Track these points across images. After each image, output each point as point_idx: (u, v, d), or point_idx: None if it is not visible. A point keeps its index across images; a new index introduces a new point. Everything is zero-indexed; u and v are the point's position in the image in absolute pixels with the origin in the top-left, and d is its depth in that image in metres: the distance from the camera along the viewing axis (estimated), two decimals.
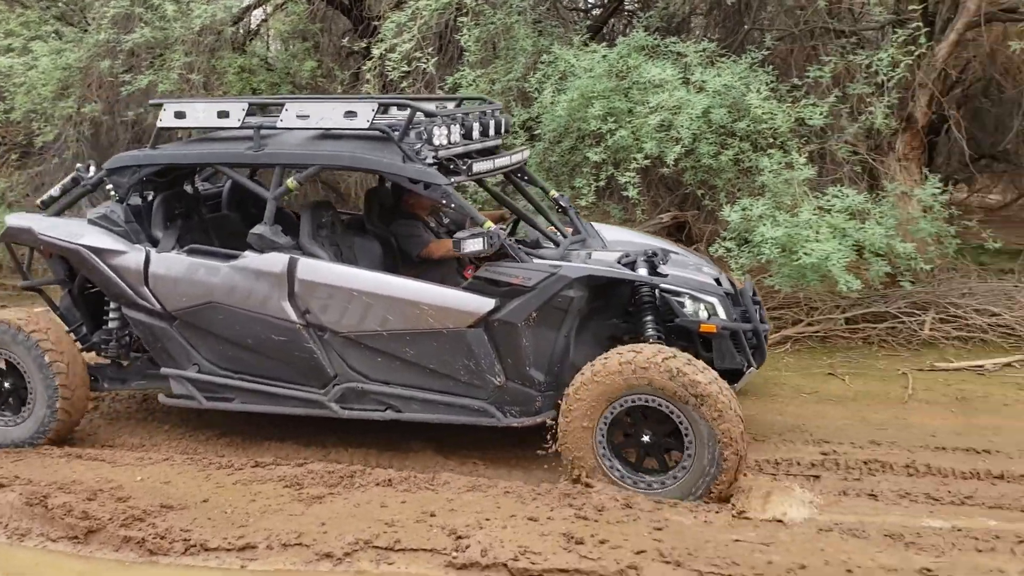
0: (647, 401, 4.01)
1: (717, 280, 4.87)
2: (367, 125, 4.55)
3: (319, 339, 4.64)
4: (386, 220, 5.41)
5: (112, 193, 5.04)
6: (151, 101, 5.71)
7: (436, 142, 4.55)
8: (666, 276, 4.48)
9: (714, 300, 4.56)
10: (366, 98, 5.21)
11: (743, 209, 5.93)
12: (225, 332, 4.79)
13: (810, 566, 3.38)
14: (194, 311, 4.80)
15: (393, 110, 5.05)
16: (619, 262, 4.50)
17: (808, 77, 6.62)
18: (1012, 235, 8.13)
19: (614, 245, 4.99)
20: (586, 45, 7.17)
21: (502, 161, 4.99)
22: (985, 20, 6.85)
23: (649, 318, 4.47)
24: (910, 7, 6.43)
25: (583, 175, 6.66)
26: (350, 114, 4.57)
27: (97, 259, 4.91)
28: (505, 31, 7.36)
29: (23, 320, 4.96)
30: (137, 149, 5.53)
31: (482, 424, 4.54)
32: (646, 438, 4.12)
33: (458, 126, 4.70)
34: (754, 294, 4.94)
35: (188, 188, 5.47)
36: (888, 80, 6.38)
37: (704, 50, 6.72)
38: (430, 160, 4.52)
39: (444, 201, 4.56)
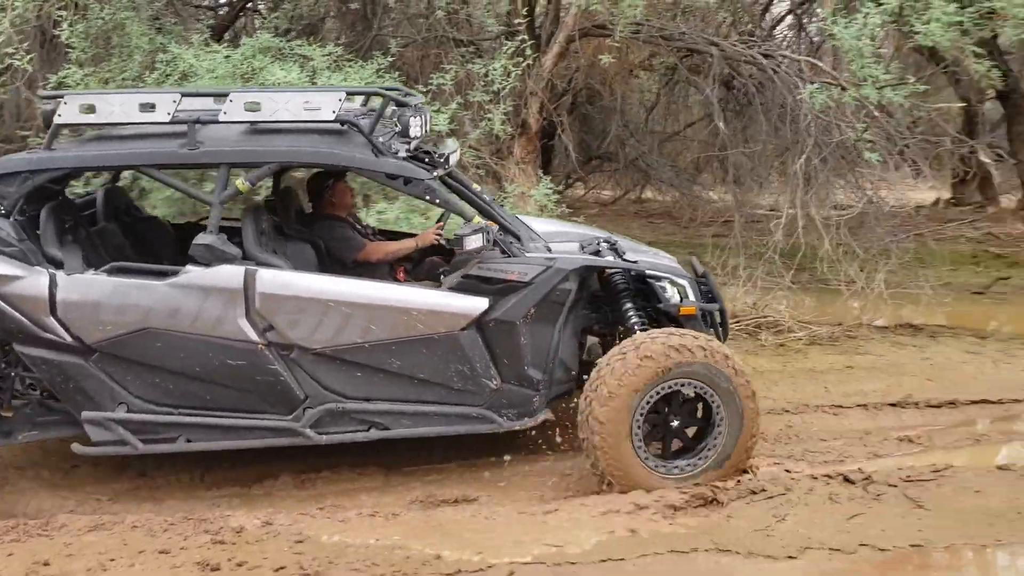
0: (682, 385, 3.93)
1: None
2: (332, 117, 4.04)
3: (284, 359, 4.09)
4: (303, 222, 4.88)
5: None
6: (43, 93, 4.71)
7: (412, 133, 4.16)
8: (636, 262, 4.43)
9: (685, 283, 4.52)
10: (329, 88, 4.78)
11: None
12: (165, 362, 4.06)
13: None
14: (121, 341, 4.01)
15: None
16: (583, 251, 4.38)
17: (432, 84, 6.92)
18: (620, 227, 9.16)
19: (552, 236, 4.64)
20: (207, 45, 6.88)
21: (455, 156, 4.61)
22: (582, 35, 7.66)
23: (629, 305, 4.37)
24: (516, 21, 6.96)
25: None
26: (311, 105, 4.05)
27: None
28: (118, 27, 6.84)
29: None
30: (27, 151, 4.46)
31: (481, 431, 4.24)
32: (675, 423, 4.02)
33: (421, 118, 4.28)
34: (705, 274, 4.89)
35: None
36: (503, 88, 6.86)
37: (331, 54, 6.75)
38: (402, 153, 4.14)
39: (428, 197, 4.21)
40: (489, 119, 6.93)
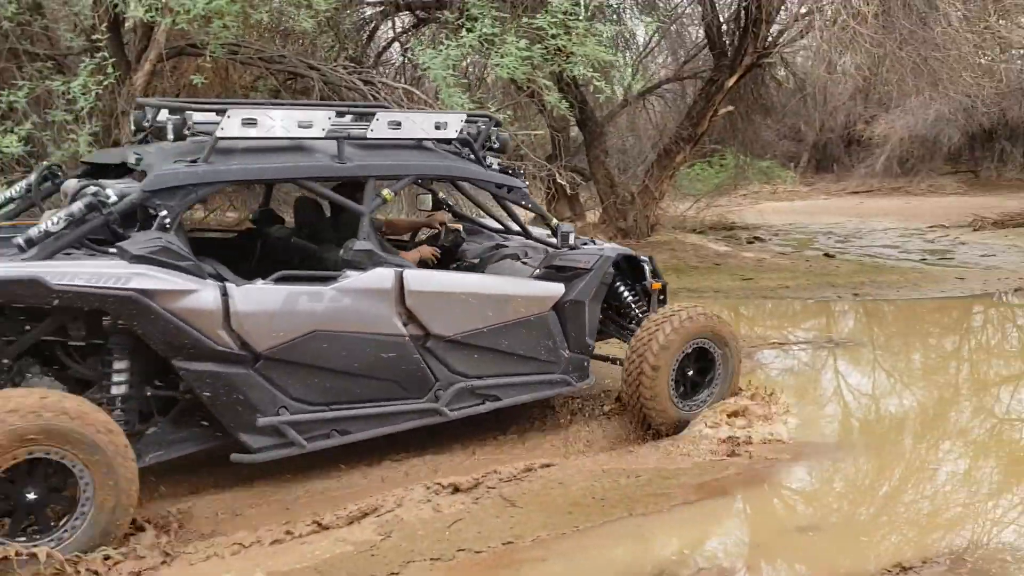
0: (702, 344, 5.10)
1: None
2: (455, 136, 4.83)
3: (421, 348, 4.54)
4: (314, 233, 5.11)
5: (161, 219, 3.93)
6: (141, 100, 4.85)
7: (506, 151, 5.19)
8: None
9: (652, 264, 5.52)
10: (453, 112, 5.43)
11: None
12: (327, 362, 4.28)
13: None
14: (291, 346, 4.15)
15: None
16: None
17: (1, 103, 6.16)
18: None
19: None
20: None
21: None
22: (177, 53, 7.27)
23: (619, 284, 5.38)
24: (95, 37, 6.42)
25: None
26: (440, 125, 4.78)
27: (157, 305, 3.77)
28: None
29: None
30: (184, 164, 4.11)
31: (562, 393, 5.16)
32: (691, 372, 5.14)
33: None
34: None
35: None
36: (87, 106, 6.28)
37: None
38: (495, 167, 5.00)
39: (523, 203, 5.04)
40: (74, 139, 6.32)
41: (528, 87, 6.85)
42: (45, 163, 4.73)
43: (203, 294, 3.90)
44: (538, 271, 5.04)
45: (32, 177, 4.63)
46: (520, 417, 5.21)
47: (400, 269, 4.41)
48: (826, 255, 12.84)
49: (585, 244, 5.31)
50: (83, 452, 3.44)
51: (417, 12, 10.60)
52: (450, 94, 6.16)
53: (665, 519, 4.09)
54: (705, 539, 4.09)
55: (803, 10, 10.80)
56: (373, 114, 4.62)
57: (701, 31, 13.14)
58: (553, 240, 5.10)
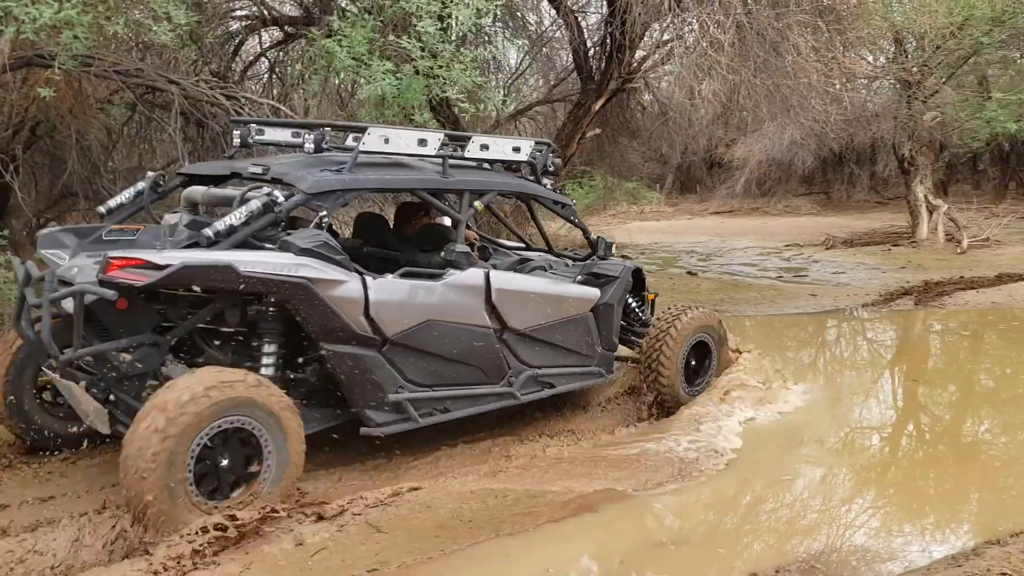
0: (702, 338, 6.12)
1: None
2: (526, 158, 5.61)
3: (499, 339, 5.20)
4: (380, 243, 5.87)
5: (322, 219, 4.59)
6: (237, 119, 5.62)
7: (557, 174, 5.92)
8: None
9: (645, 276, 6.43)
10: (527, 139, 5.91)
11: None
12: (435, 348, 4.90)
13: None
14: (411, 332, 4.77)
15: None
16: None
17: None
18: None
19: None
20: None
21: None
22: (22, 64, 6.88)
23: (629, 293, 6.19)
24: None
25: None
26: (517, 149, 5.57)
27: (319, 292, 4.36)
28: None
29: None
30: (331, 172, 4.73)
31: (597, 383, 5.96)
32: (693, 362, 6.16)
33: None
34: None
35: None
36: None
37: None
38: (549, 185, 5.79)
39: (572, 219, 5.88)
40: None
41: (399, 105, 6.82)
42: (153, 172, 5.36)
43: (351, 284, 4.51)
44: (580, 277, 5.86)
45: (141, 184, 5.24)
46: (389, 441, 5.13)
47: (487, 270, 5.16)
48: (689, 273, 13.33)
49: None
50: (268, 423, 4.04)
51: (286, 27, 10.41)
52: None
53: (532, 538, 4.11)
54: (571, 557, 4.14)
55: (665, 37, 11.23)
56: (468, 137, 5.36)
57: (570, 55, 13.45)
58: (570, 253, 6.42)
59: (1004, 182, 22.90)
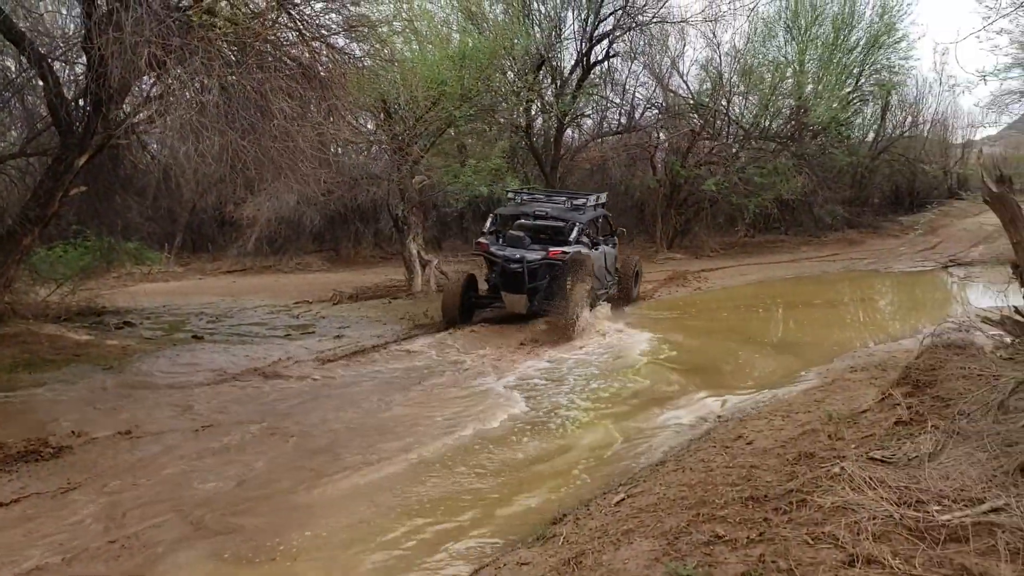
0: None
1: None
2: (595, 203, 15.06)
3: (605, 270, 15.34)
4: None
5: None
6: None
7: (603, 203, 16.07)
8: None
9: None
10: (598, 191, 16.21)
11: None
12: (599, 272, 14.47)
13: None
14: (596, 269, 14.30)
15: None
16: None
17: None
18: None
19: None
20: None
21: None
22: None
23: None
24: None
25: None
26: (596, 198, 15.37)
27: (586, 260, 13.49)
28: None
29: None
30: (579, 213, 14.49)
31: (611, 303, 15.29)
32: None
33: None
34: None
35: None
36: None
37: None
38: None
39: (611, 245, 15.92)
40: None
41: None
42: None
43: (593, 254, 14.05)
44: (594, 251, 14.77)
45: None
46: None
47: (595, 249, 14.49)
48: (195, 337, 12.88)
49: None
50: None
51: None
52: None
53: None
54: None
55: (156, 92, 10.81)
56: (589, 195, 15.16)
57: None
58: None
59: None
